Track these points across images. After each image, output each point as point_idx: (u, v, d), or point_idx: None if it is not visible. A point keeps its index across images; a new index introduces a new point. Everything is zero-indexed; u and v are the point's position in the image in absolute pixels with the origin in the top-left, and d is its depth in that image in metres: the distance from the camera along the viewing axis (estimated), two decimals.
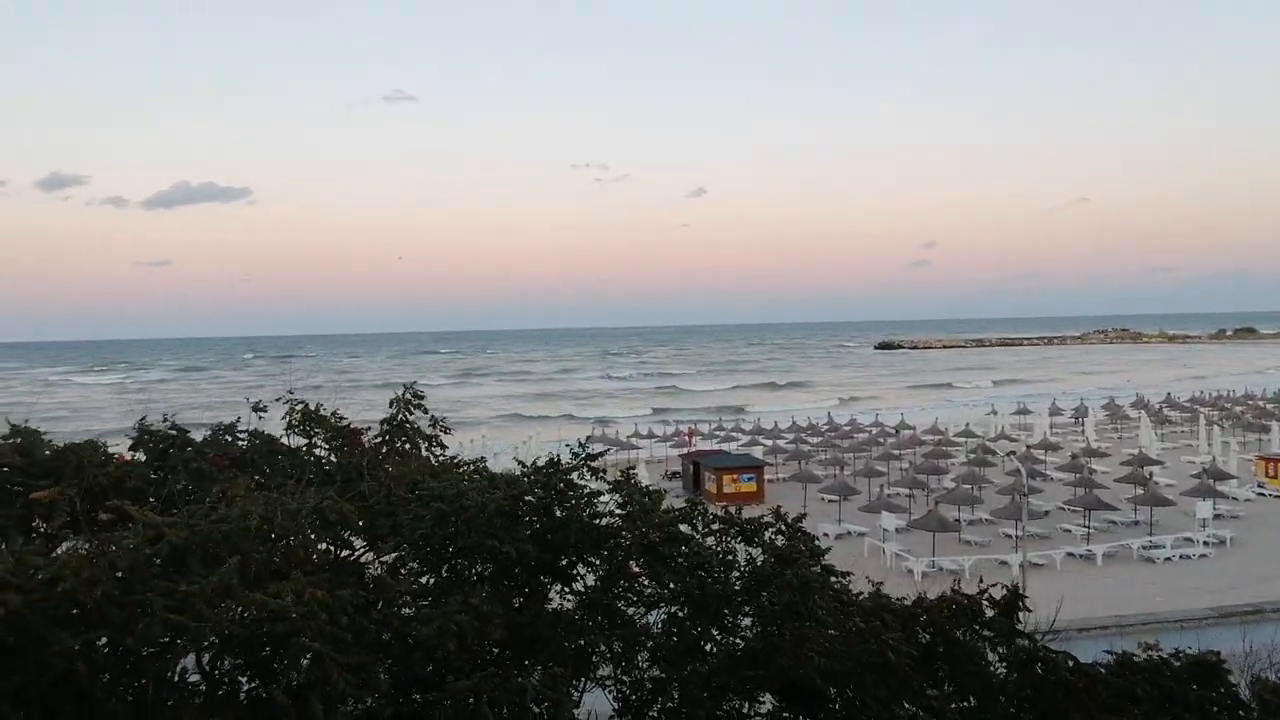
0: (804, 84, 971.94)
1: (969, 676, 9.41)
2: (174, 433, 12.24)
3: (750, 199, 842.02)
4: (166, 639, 6.62)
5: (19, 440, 10.73)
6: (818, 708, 9.05)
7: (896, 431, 57.30)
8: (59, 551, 7.74)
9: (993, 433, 56.90)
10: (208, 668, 7.61)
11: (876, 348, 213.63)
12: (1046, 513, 37.82)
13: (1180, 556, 32.83)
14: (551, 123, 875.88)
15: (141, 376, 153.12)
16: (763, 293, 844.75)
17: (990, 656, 9.65)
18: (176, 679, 7.48)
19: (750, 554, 9.45)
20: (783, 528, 9.62)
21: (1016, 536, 33.51)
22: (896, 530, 35.16)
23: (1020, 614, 10.03)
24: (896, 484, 43.39)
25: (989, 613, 9.88)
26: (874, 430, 57.99)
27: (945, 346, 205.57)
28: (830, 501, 39.94)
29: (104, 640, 6.77)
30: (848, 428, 59.41)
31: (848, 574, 10.00)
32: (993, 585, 10.40)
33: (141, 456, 11.87)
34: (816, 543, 9.85)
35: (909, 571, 30.41)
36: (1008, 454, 45.96)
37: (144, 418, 12.43)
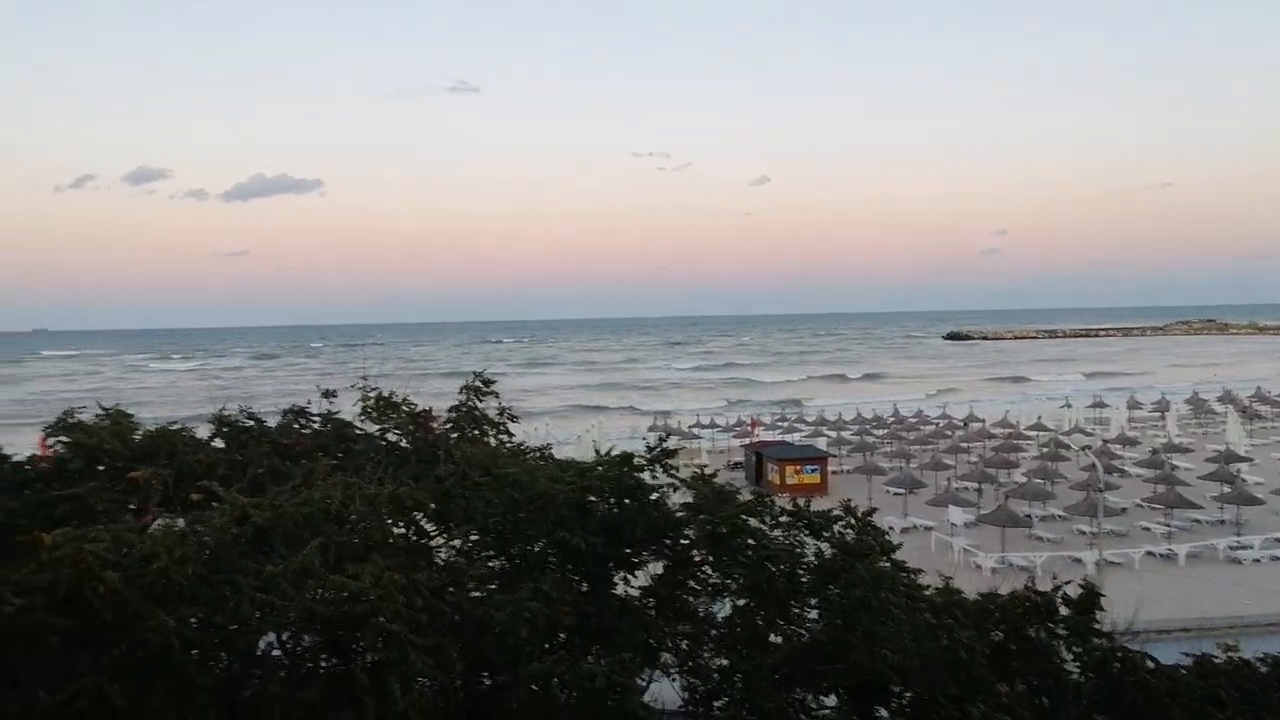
0: (870, 71, 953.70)
1: (1042, 675, 9.24)
2: (250, 422, 12.76)
3: (814, 187, 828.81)
4: (254, 617, 6.92)
5: (113, 424, 11.29)
6: (886, 703, 9.00)
7: (965, 424, 56.09)
8: (151, 529, 8.14)
9: (1066, 426, 55.26)
10: (289, 645, 7.93)
11: (945, 338, 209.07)
12: (1124, 510, 36.63)
13: (1271, 558, 31.46)
14: (614, 112, 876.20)
15: (218, 363, 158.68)
16: (826, 281, 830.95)
17: (1065, 655, 9.45)
18: (260, 655, 7.82)
19: (819, 547, 9.41)
20: (852, 521, 9.55)
21: (1092, 534, 32.55)
22: (965, 525, 34.49)
23: (1096, 613, 9.79)
24: (964, 477, 42.52)
25: (1063, 611, 9.67)
26: (941, 423, 56.87)
27: (1017, 337, 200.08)
28: (895, 494, 39.36)
29: (194, 617, 7.11)
30: (914, 420, 58.31)
31: (918, 571, 9.89)
32: (1066, 582, 10.17)
33: (221, 443, 12.40)
34: (886, 538, 9.77)
35: (977, 567, 29.83)
36: (1083, 448, 44.60)
37: (222, 407, 12.97)
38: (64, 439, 10.83)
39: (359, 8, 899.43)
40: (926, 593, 9.57)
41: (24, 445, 12.60)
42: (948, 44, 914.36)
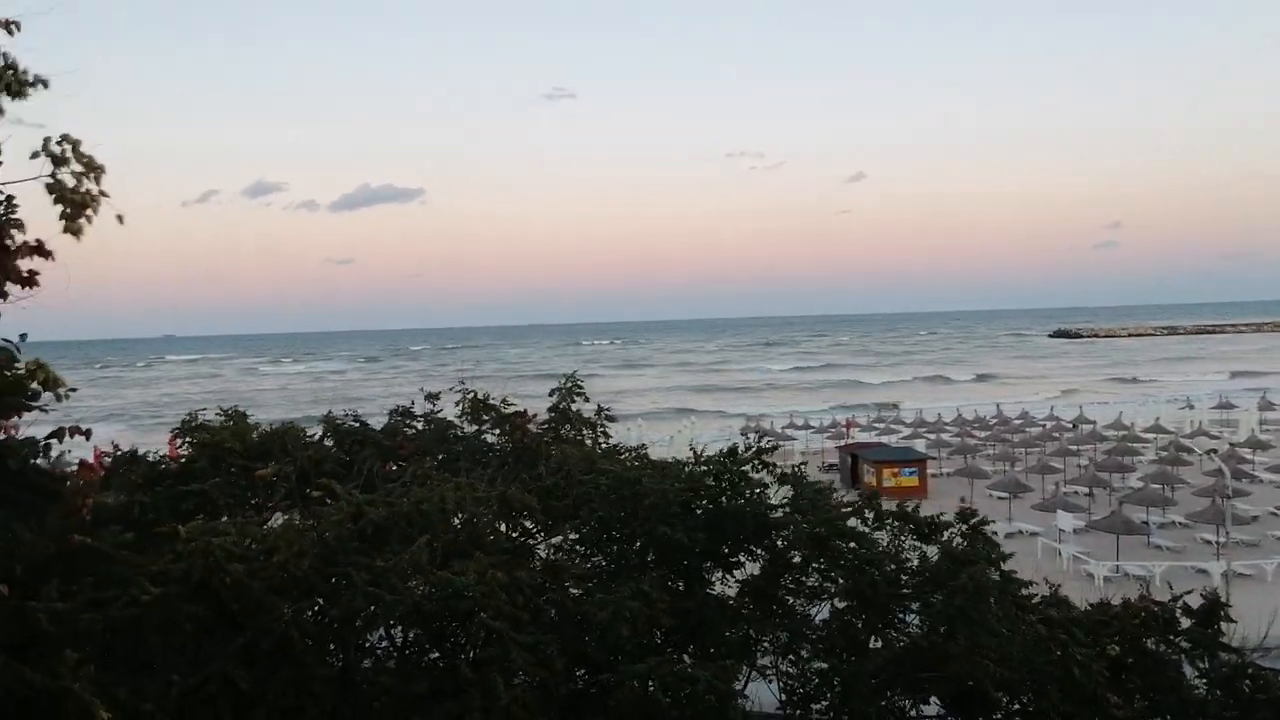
0: (972, 60, 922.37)
1: (1164, 692, 8.76)
2: (356, 424, 13.36)
3: (913, 183, 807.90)
4: (365, 610, 7.22)
5: (233, 425, 12.00)
6: (989, 716, 8.71)
7: (1074, 426, 53.66)
8: (272, 524, 8.61)
9: (1188, 429, 52.17)
10: (398, 638, 8.25)
11: (1051, 335, 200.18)
12: (1255, 518, 34.33)
13: None
14: (707, 113, 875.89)
15: (325, 366, 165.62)
16: (924, 278, 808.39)
17: (1188, 671, 8.95)
18: (371, 647, 8.16)
19: (925, 552, 9.20)
20: (964, 528, 9.29)
21: (1217, 543, 30.66)
22: (1074, 531, 32.98)
23: (1222, 626, 9.23)
24: (1074, 482, 40.65)
25: (1185, 622, 9.16)
26: (1048, 424, 54.57)
27: (1132, 334, 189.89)
28: (999, 499, 37.97)
29: (310, 609, 7.47)
30: (1018, 421, 56.12)
31: (1029, 582, 9.55)
32: (1187, 592, 9.63)
33: (330, 443, 13.01)
34: (999, 549, 9.47)
35: (1088, 575, 28.50)
36: (1207, 452, 42.05)
37: (329, 411, 13.63)
38: (190, 439, 11.59)
39: (455, 23, 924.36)
40: (1036, 603, 9.22)
41: (157, 443, 13.47)
42: (1055, 30, 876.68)
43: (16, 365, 6.29)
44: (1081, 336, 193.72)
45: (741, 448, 10.53)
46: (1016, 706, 8.67)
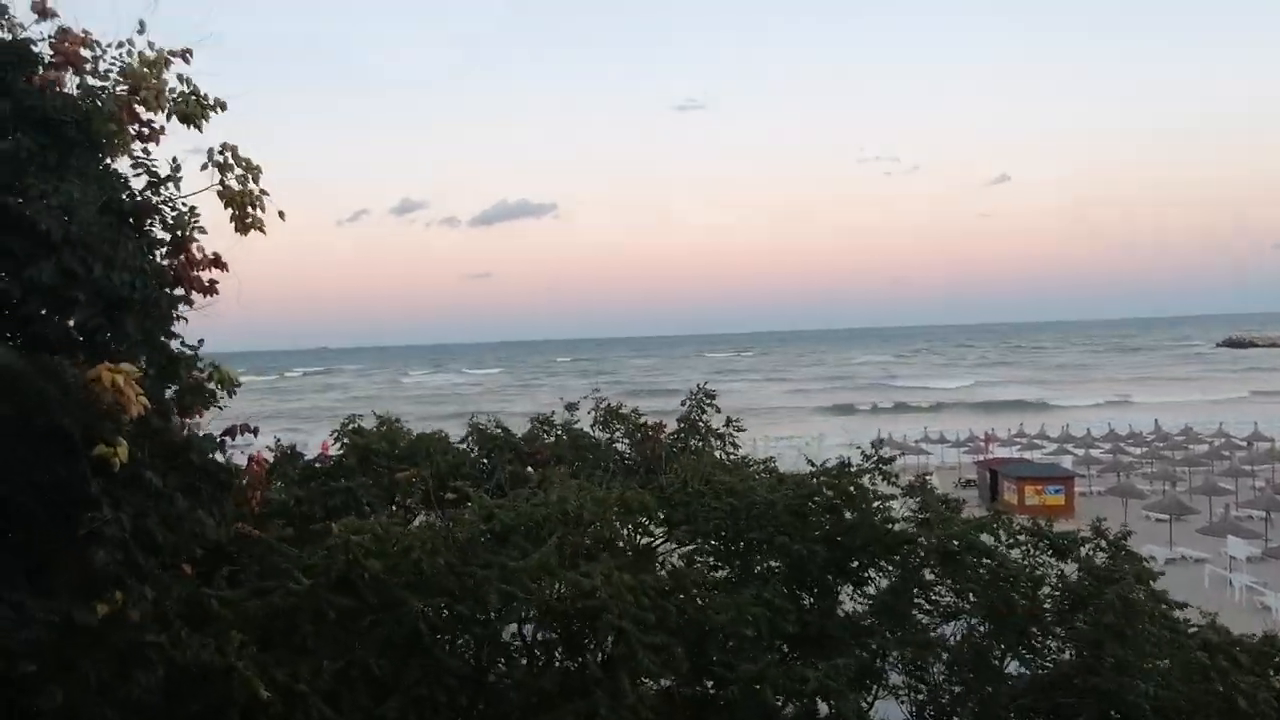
0: (1128, 53, 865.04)
1: None
2: (499, 430, 13.96)
3: (1062, 183, 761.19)
4: (497, 608, 7.49)
5: (385, 429, 12.79)
6: None
7: (1248, 443, 49.19)
8: (415, 524, 9.07)
9: None
10: (527, 637, 8.50)
11: (1220, 345, 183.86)
12: None
13: None
14: (839, 118, 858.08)
15: (470, 375, 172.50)
16: (1073, 282, 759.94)
17: None
18: (504, 643, 8.44)
19: (1063, 571, 8.72)
20: (1103, 544, 8.76)
21: None
22: (1248, 559, 30.22)
23: None
24: (1247, 505, 37.24)
25: None
26: (1216, 441, 50.24)
27: None
28: (1158, 521, 35.24)
29: (442, 605, 7.82)
30: (1179, 437, 51.98)
31: (1183, 605, 8.87)
32: None
33: (473, 449, 13.64)
34: (1144, 564, 8.86)
35: (1264, 607, 26.04)
36: None
37: (473, 415, 14.32)
38: (344, 440, 12.40)
39: (581, 41, 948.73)
40: (1193, 630, 8.55)
41: (314, 445, 14.48)
42: (1222, 8, 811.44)
43: (199, 369, 6.92)
44: (1255, 345, 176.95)
45: (860, 459, 10.32)
46: None
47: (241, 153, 7.03)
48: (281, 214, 7.31)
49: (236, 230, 7.11)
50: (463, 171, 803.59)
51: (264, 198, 7.14)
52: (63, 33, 6.36)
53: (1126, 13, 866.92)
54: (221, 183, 7.04)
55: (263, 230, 7.22)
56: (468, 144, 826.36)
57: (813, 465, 10.33)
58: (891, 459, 10.69)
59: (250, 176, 7.07)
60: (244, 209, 7.10)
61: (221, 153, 7.00)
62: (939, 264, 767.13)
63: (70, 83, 6.27)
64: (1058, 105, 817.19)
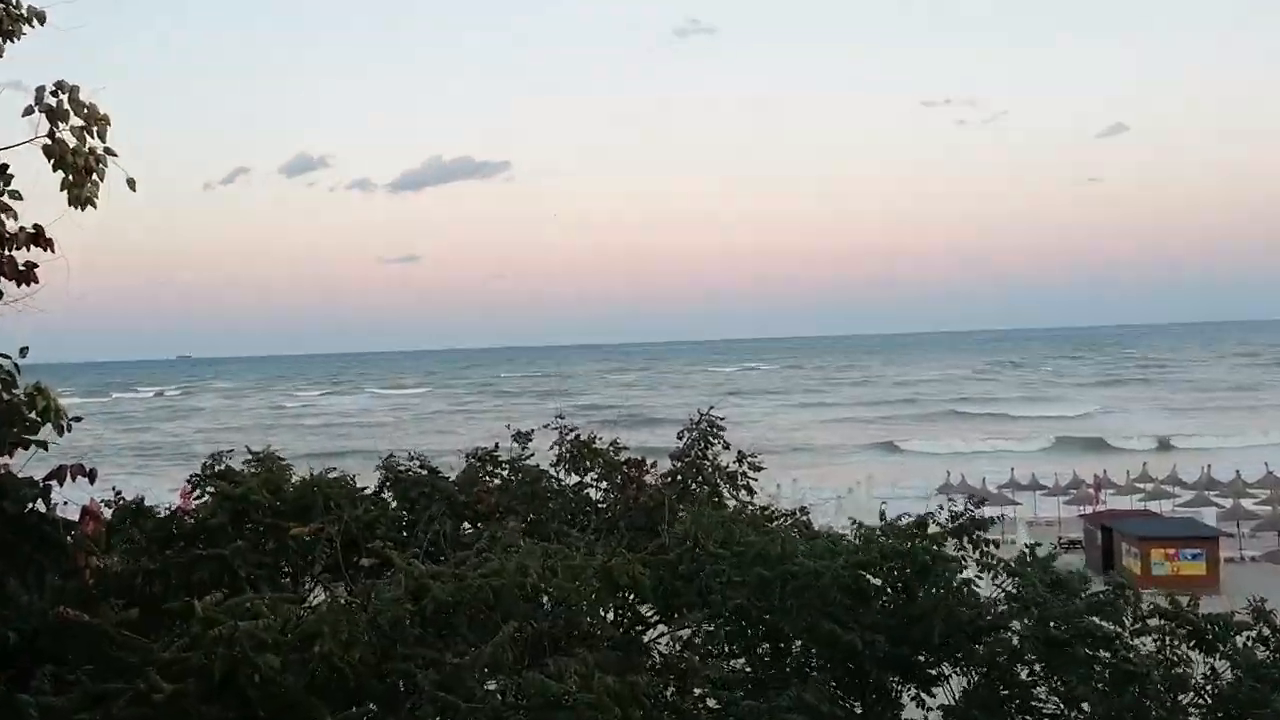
0: None
1: None
2: (424, 471, 13.82)
3: (1191, 137, 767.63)
4: None
5: (264, 472, 12.63)
6: None
7: None
8: (314, 600, 8.95)
9: None
10: None
11: None
12: None
13: None
14: (894, 49, 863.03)
15: (387, 395, 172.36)
16: (1215, 272, 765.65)
17: None
18: None
19: (1213, 668, 8.79)
20: (1266, 631, 8.84)
21: None
22: None
23: None
24: None
25: None
26: None
27: None
28: None
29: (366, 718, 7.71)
30: None
31: None
32: None
33: (390, 496, 13.53)
34: None
35: None
36: None
37: (390, 455, 14.16)
38: (209, 489, 12.24)
39: None
40: None
41: (167, 492, 14.29)
42: None
43: (15, 389, 6.73)
44: None
45: (941, 515, 10.38)
46: None
47: (83, 96, 6.89)
48: (131, 182, 7.14)
49: (71, 201, 6.96)
50: (382, 119, 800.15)
51: (110, 158, 6.98)
52: None
53: None
54: (51, 134, 6.89)
55: (95, 205, 7.04)
56: (388, 81, 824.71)
57: (882, 520, 10.39)
58: (987, 522, 10.72)
59: (95, 129, 6.92)
60: (81, 172, 6.94)
61: (55, 94, 6.85)
62: (1028, 244, 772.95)
63: None
64: (1191, 31, 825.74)
